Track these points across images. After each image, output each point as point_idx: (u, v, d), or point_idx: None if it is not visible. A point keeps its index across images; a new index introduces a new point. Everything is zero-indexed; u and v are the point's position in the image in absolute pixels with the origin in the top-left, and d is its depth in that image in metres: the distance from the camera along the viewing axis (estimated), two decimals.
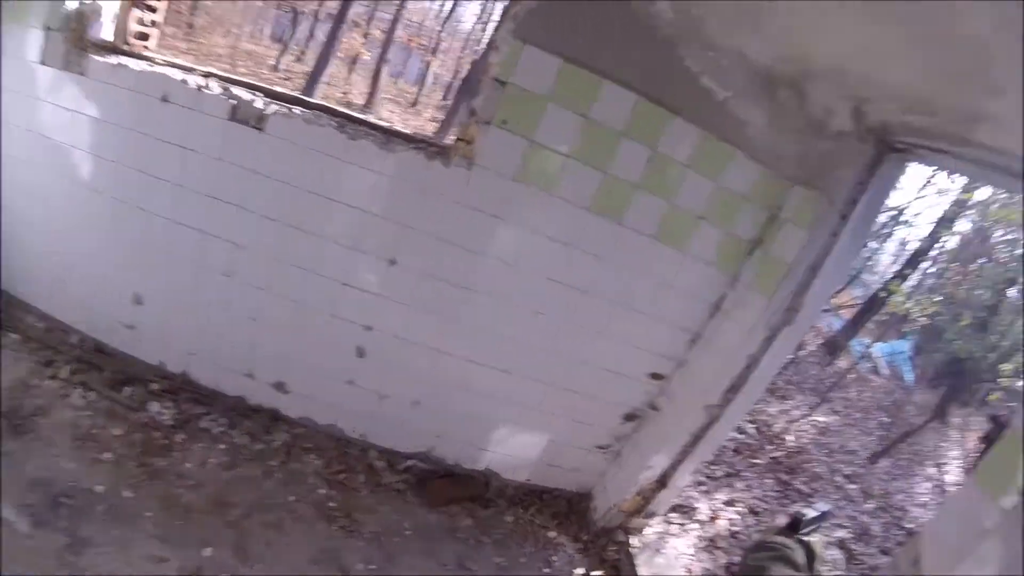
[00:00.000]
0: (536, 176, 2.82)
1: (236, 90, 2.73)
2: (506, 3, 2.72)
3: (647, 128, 2.78)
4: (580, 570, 3.30)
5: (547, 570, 3.23)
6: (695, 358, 3.31)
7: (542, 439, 3.49)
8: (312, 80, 14.37)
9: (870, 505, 6.71)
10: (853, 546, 5.37)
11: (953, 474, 10.41)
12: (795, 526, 1.44)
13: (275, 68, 18.26)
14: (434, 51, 23.22)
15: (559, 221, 2.92)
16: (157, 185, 2.85)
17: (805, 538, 1.41)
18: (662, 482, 3.40)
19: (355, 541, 2.88)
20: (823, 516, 1.54)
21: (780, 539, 1.37)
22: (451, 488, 3.37)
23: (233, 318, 3.10)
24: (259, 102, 2.71)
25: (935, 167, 2.74)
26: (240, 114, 2.70)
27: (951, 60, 1.96)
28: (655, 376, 3.38)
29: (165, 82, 2.70)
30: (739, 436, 5.43)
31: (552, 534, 3.44)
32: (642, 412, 3.49)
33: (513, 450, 3.50)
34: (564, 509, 3.63)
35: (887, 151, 2.70)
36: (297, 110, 2.74)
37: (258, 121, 2.70)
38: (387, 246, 2.93)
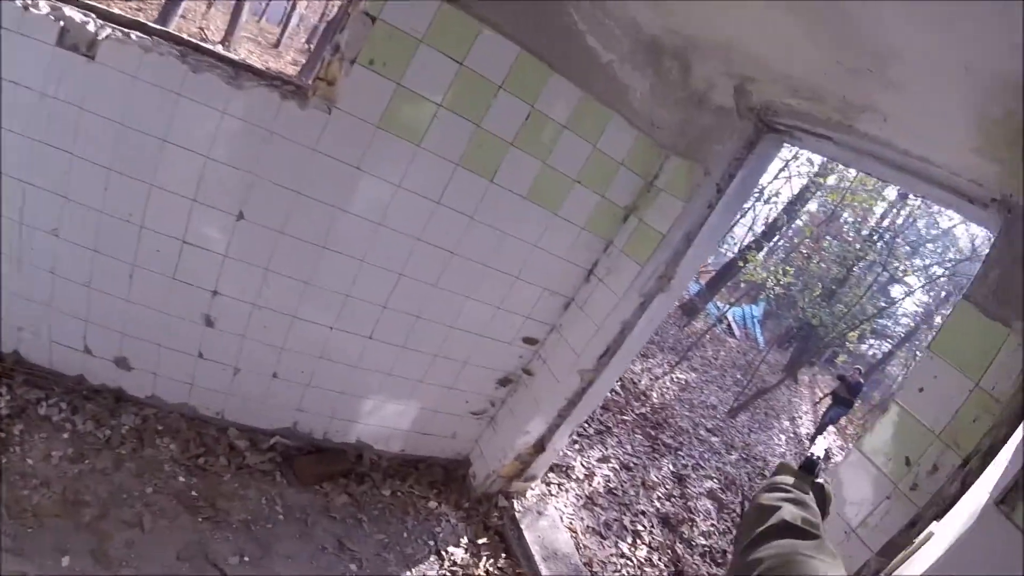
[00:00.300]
0: (403, 124, 2.57)
1: (67, 10, 2.23)
2: None
3: (527, 83, 2.64)
4: (464, 539, 3.25)
5: (431, 542, 3.14)
6: (568, 323, 3.30)
7: (413, 407, 3.36)
8: (165, 12, 12.93)
9: (733, 456, 7.25)
10: (722, 495, 5.76)
11: (805, 426, 11.55)
12: (810, 468, 1.40)
13: (124, 3, 16.41)
14: None
15: (426, 175, 2.71)
16: None
17: (819, 480, 1.37)
18: (540, 446, 3.41)
19: (224, 532, 2.62)
20: (827, 455, 1.52)
21: (795, 481, 1.32)
22: (321, 464, 3.17)
23: (63, 285, 2.62)
24: (91, 25, 2.23)
25: (811, 150, 2.83)
26: (69, 39, 2.21)
27: (849, 55, 1.98)
28: (528, 340, 3.35)
29: None
30: (608, 394, 5.62)
31: (432, 504, 3.35)
32: (516, 377, 3.46)
33: (384, 420, 3.34)
34: (442, 478, 3.56)
35: (766, 130, 2.75)
36: (134, 35, 2.28)
37: (89, 47, 2.23)
38: (233, 198, 2.54)
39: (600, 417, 5.71)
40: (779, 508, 1.19)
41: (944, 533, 1.47)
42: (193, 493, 2.72)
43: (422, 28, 2.41)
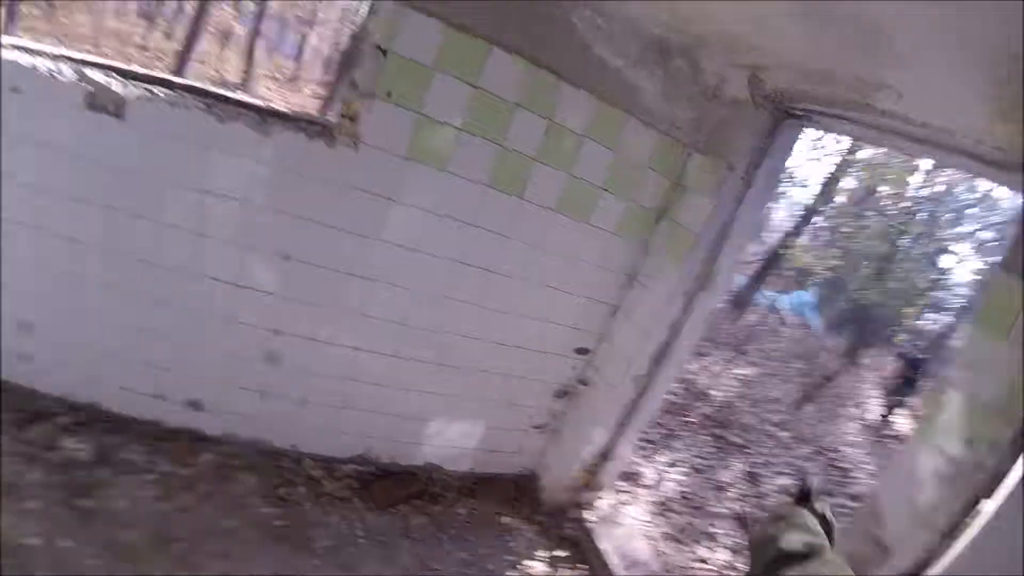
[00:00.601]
0: (428, 152, 2.70)
1: (92, 73, 2.40)
2: None
3: (541, 97, 2.76)
4: (542, 552, 3.30)
5: (510, 557, 3.20)
6: (617, 330, 3.37)
7: (477, 426, 3.46)
8: (182, 59, 13.55)
9: (804, 449, 7.08)
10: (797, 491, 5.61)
11: (873, 412, 11.20)
12: (806, 496, 1.44)
13: (143, 48, 17.10)
14: (311, 22, 22.31)
15: (457, 199, 2.83)
16: (16, 192, 2.48)
17: (819, 508, 1.41)
18: (604, 455, 3.45)
19: (310, 559, 2.75)
20: (823, 486, 1.55)
21: (796, 509, 1.37)
22: (396, 488, 3.28)
23: (126, 334, 2.82)
24: (117, 85, 2.41)
25: (832, 132, 2.86)
26: (97, 101, 2.39)
27: (851, 36, 2.02)
28: (580, 351, 3.42)
29: (13, 70, 2.33)
30: (668, 397, 5.61)
31: (507, 520, 3.41)
32: (573, 388, 3.52)
33: (450, 441, 3.45)
34: (513, 493, 3.62)
35: (784, 117, 2.78)
36: (160, 92, 2.45)
37: (117, 108, 2.41)
38: (278, 240, 2.71)
39: (664, 421, 5.70)
40: (778, 539, 1.25)
41: (989, 509, 1.48)
42: (277, 523, 2.86)
43: (432, 55, 2.54)
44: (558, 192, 2.98)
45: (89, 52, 2.58)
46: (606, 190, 3.06)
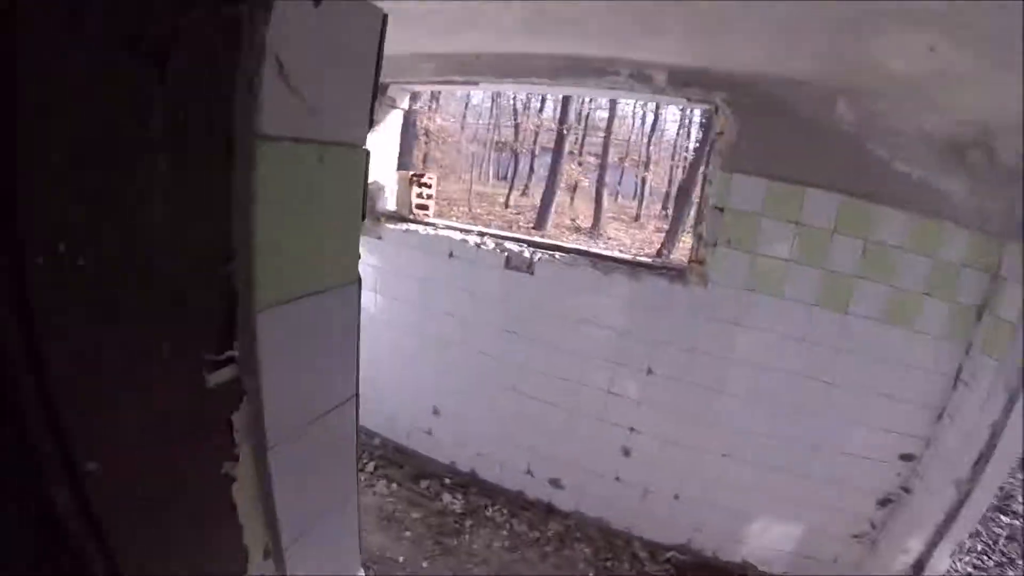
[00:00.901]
0: (764, 283, 3.23)
1: (507, 244, 3.73)
2: (712, 141, 3.36)
3: (854, 221, 3.09)
4: None
5: None
6: (940, 433, 3.27)
7: (797, 530, 3.58)
8: (542, 212, 16.27)
9: None
10: None
11: None
12: None
13: (506, 205, 20.45)
14: (646, 165, 24.47)
15: (791, 320, 3.24)
16: (451, 322, 3.86)
17: None
18: (919, 566, 3.25)
19: None
20: None
21: None
22: None
23: (516, 424, 3.87)
24: (527, 252, 3.65)
25: None
26: (512, 263, 3.66)
27: None
28: (905, 457, 3.37)
29: (449, 242, 3.78)
30: (1009, 520, 4.59)
31: None
32: (895, 495, 3.44)
33: (769, 542, 3.61)
34: None
35: None
36: (558, 255, 3.62)
37: (528, 267, 3.62)
38: (643, 358, 3.51)
39: (1004, 548, 4.67)
40: None
41: None
42: None
43: (758, 205, 3.17)
44: (881, 304, 3.19)
45: (466, 214, 4.17)
46: (927, 294, 3.16)
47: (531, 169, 25.44)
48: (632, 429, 3.62)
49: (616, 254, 3.72)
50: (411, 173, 4.16)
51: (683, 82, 3.27)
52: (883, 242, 3.10)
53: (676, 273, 3.39)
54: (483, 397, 3.93)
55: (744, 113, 3.17)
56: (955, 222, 3.08)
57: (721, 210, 3.20)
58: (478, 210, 18.19)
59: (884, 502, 3.46)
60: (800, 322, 3.24)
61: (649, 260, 3.67)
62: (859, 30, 2.16)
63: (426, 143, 19.42)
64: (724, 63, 3.02)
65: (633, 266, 3.49)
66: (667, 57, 3.11)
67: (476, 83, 3.77)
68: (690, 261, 3.36)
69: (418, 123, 17.65)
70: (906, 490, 3.39)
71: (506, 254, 3.68)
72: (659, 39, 2.81)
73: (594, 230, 17.99)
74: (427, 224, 4.01)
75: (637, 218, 22.47)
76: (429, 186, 4.22)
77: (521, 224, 16.98)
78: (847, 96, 3.00)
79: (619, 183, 26.52)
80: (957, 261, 3.13)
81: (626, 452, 3.67)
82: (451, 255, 3.82)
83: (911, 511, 3.33)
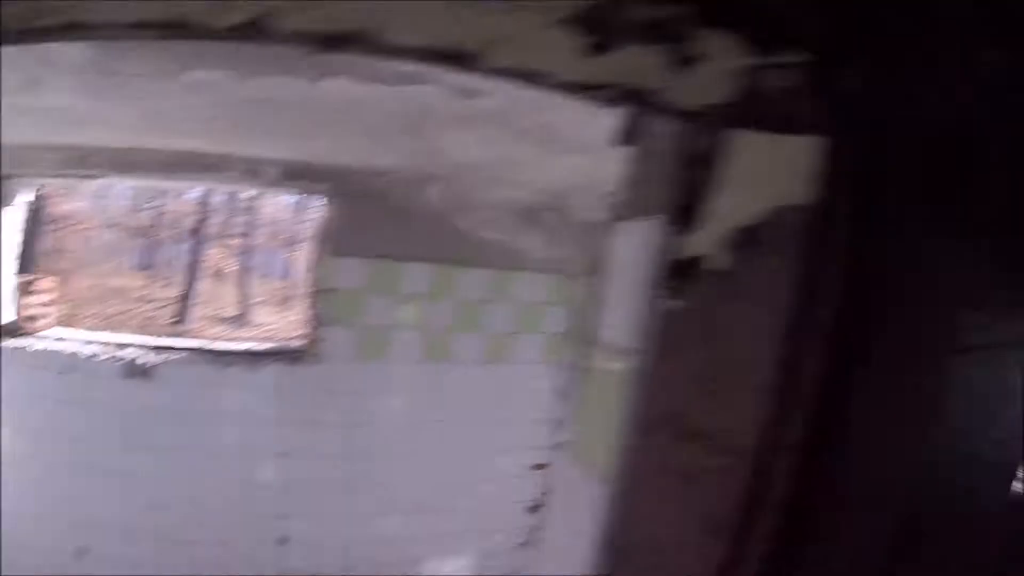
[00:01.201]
0: (374, 351, 3.55)
1: (122, 352, 3.37)
2: (314, 233, 3.63)
3: (447, 285, 3.63)
4: None
5: None
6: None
7: (464, 556, 3.98)
8: (183, 304, 14.89)
9: None
10: None
11: None
12: None
13: (146, 300, 18.36)
14: (293, 243, 24.02)
15: (401, 378, 3.63)
16: (64, 440, 3.31)
17: None
18: None
19: None
20: None
21: None
22: None
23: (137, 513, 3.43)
24: (141, 358, 3.35)
25: None
26: (130, 371, 3.32)
27: None
28: (538, 467, 4.02)
29: (59, 357, 3.30)
30: None
31: None
32: (538, 501, 4.05)
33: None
34: None
35: None
36: (175, 355, 3.42)
37: (144, 373, 3.33)
38: (276, 442, 3.48)
39: None
40: None
41: None
42: None
43: (363, 283, 3.50)
44: (481, 348, 3.77)
45: (96, 312, 3.68)
46: (516, 333, 3.83)
47: (175, 257, 22.98)
48: (281, 515, 3.59)
49: (232, 346, 3.73)
50: (24, 278, 3.53)
51: (292, 175, 3.44)
52: (471, 299, 3.69)
53: (295, 355, 3.56)
54: (127, 521, 3.41)
55: (346, 201, 3.48)
56: (535, 271, 3.81)
57: (330, 291, 3.48)
58: (112, 310, 15.70)
59: (533, 508, 4.04)
60: (409, 377, 3.64)
61: (266, 347, 3.73)
62: (424, 131, 2.61)
63: (55, 232, 16.07)
64: (326, 159, 3.32)
65: (252, 355, 3.53)
66: (277, 153, 3.29)
67: (96, 176, 3.49)
68: (305, 341, 3.57)
69: (47, 209, 14.56)
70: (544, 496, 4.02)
71: (120, 362, 3.38)
72: (267, 139, 2.98)
73: (241, 318, 16.99)
74: (39, 338, 3.42)
75: (286, 300, 21.92)
76: (46, 291, 3.64)
77: (162, 321, 15.20)
78: (432, 181, 3.53)
79: (269, 264, 25.45)
80: (540, 301, 3.88)
81: (283, 541, 3.60)
82: (62, 371, 3.33)
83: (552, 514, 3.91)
